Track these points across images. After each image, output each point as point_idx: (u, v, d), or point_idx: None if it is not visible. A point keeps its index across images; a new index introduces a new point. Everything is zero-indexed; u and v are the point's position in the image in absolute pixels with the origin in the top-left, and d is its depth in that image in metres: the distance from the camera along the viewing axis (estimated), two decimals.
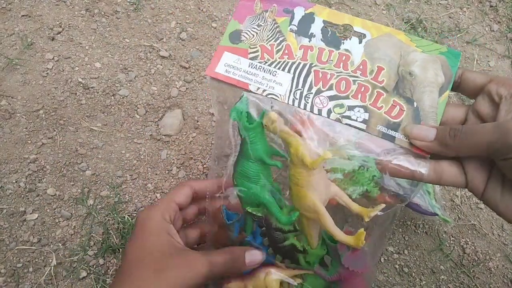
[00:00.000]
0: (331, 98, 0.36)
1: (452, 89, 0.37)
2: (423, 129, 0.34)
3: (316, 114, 0.36)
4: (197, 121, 0.65)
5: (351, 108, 0.36)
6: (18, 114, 0.62)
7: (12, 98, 0.63)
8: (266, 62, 0.38)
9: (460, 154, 0.33)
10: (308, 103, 0.36)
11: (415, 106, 0.36)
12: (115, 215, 0.58)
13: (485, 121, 0.34)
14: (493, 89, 0.33)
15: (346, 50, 0.38)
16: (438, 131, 0.33)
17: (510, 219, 0.34)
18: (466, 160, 0.35)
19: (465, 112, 0.36)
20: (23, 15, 0.69)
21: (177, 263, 0.35)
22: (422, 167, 0.34)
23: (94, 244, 0.56)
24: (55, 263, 0.55)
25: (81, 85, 0.65)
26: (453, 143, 0.32)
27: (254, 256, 0.39)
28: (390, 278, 0.58)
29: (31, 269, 0.54)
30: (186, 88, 0.67)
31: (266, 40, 0.38)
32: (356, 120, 0.36)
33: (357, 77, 0.37)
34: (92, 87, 0.65)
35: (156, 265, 0.34)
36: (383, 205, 0.37)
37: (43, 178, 0.59)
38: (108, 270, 0.55)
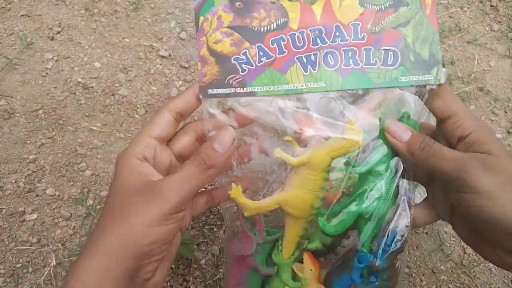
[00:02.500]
0: None
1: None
2: (401, 128, 0.34)
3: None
4: None
5: None
6: (18, 114, 0.62)
7: (11, 98, 0.63)
8: None
9: (421, 167, 0.34)
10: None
11: None
12: None
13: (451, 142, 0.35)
14: (449, 130, 0.34)
15: None
16: (413, 136, 0.34)
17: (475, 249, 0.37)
18: (434, 197, 0.38)
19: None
20: (23, 15, 0.69)
21: (140, 200, 0.32)
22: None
23: None
24: (55, 264, 0.54)
25: (81, 85, 0.65)
26: (419, 155, 0.33)
27: (223, 140, 0.34)
28: None
29: (30, 270, 0.54)
30: (186, 88, 0.67)
31: None
32: None
33: None
34: (91, 87, 0.65)
35: (121, 207, 0.32)
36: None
37: (43, 178, 0.59)
38: None
